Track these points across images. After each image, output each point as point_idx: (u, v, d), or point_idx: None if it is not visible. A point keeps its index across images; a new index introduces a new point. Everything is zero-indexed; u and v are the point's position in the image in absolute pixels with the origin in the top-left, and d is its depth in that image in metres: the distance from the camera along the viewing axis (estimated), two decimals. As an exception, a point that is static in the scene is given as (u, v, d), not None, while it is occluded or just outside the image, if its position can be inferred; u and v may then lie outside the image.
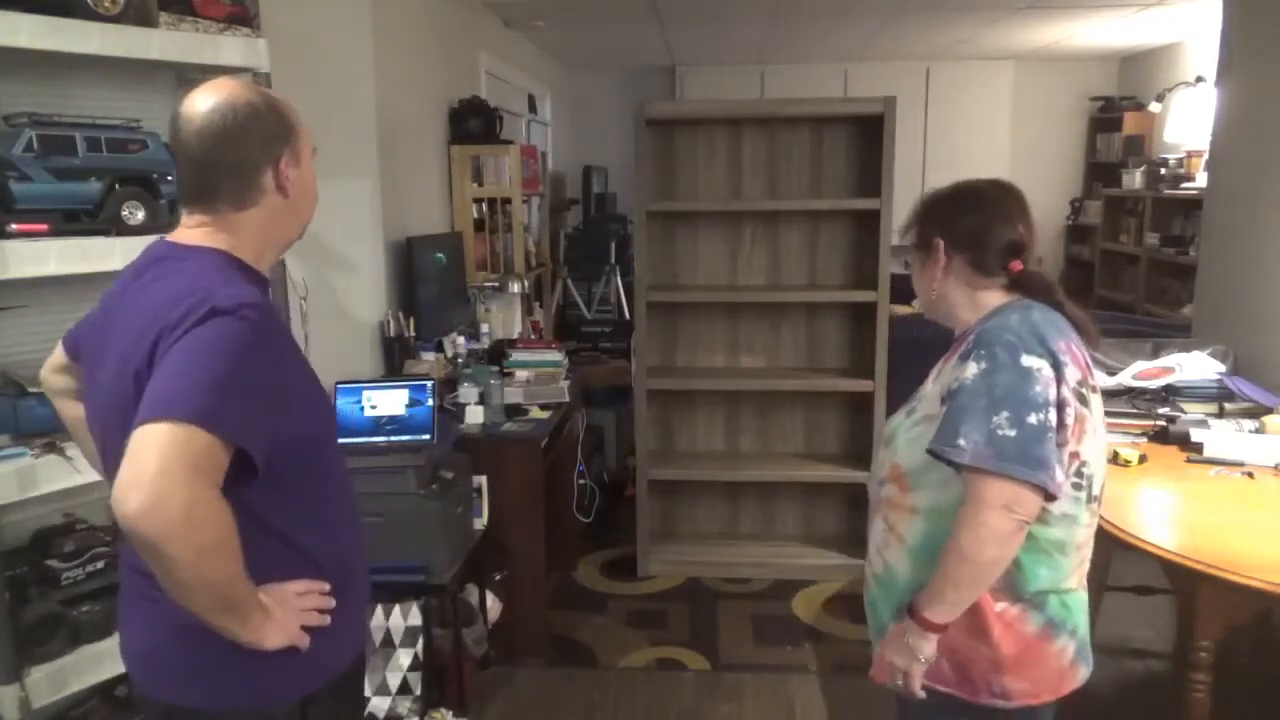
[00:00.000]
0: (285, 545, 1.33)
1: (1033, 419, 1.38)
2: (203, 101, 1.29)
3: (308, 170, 1.39)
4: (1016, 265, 1.55)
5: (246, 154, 1.30)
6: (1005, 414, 1.38)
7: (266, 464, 1.21)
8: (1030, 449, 1.37)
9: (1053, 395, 1.41)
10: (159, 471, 1.09)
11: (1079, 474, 1.47)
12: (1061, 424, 1.41)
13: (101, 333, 1.34)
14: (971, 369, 1.43)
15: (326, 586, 1.36)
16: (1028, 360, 1.41)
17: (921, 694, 1.51)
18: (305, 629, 1.32)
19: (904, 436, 1.57)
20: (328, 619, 1.35)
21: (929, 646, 1.47)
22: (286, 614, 1.30)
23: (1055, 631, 1.51)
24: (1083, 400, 1.46)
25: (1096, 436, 1.51)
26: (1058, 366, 1.42)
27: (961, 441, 1.39)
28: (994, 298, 1.56)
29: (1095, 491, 1.52)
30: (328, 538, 1.39)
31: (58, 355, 1.49)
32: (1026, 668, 1.50)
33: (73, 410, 1.49)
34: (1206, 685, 1.92)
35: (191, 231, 1.33)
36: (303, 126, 1.38)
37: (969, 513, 1.39)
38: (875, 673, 1.61)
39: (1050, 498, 1.40)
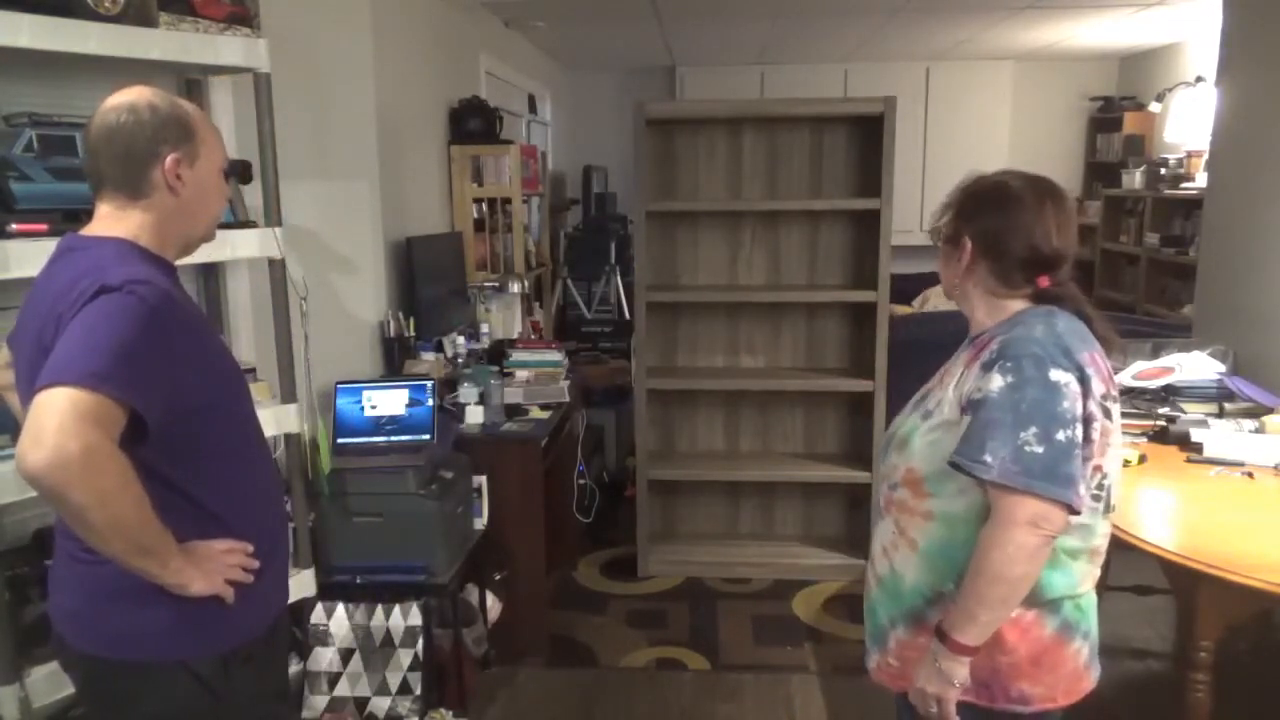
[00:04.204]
0: (194, 506, 1.42)
1: (1060, 436, 1.37)
2: (109, 103, 1.42)
3: (206, 175, 1.48)
4: (1043, 280, 1.49)
5: (133, 147, 1.40)
6: (1033, 430, 1.36)
7: (164, 427, 1.31)
8: (1058, 466, 1.36)
9: (1079, 410, 1.39)
10: (55, 427, 1.19)
11: (1099, 485, 1.46)
12: (1087, 439, 1.41)
13: (22, 325, 1.44)
14: (996, 381, 1.40)
15: (250, 548, 1.46)
16: (1055, 375, 1.39)
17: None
18: (230, 584, 1.42)
19: (920, 440, 1.53)
20: (250, 578, 1.45)
21: (962, 670, 1.44)
22: (211, 566, 1.40)
23: (1070, 634, 1.50)
24: (1106, 413, 1.45)
25: (1115, 447, 1.50)
26: (1084, 380, 1.41)
27: (988, 457, 1.37)
28: (1016, 304, 1.52)
29: (1113, 502, 1.51)
30: (240, 502, 1.48)
31: (4, 353, 1.57)
32: (1043, 672, 1.49)
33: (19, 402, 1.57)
34: (1206, 685, 1.92)
35: (96, 223, 1.44)
36: (211, 137, 1.49)
37: (996, 530, 1.38)
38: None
39: (1074, 513, 1.39)
